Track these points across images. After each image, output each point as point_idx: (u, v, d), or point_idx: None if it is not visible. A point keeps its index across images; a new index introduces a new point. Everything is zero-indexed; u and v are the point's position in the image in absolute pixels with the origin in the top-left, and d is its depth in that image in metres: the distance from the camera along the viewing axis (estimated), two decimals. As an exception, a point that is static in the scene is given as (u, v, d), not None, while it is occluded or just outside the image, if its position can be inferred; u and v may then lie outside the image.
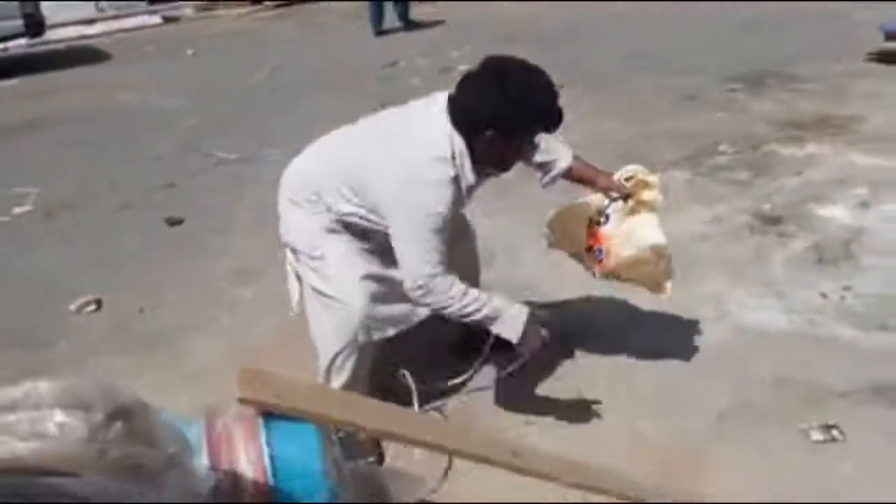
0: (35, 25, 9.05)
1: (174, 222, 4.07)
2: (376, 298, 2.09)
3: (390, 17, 9.31)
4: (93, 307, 3.21)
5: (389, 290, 2.11)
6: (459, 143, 1.96)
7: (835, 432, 2.11)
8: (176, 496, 0.98)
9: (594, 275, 2.38)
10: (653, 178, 2.32)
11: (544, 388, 2.48)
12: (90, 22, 11.94)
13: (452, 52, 7.76)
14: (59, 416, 0.89)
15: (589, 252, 2.37)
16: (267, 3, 12.68)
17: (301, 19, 11.52)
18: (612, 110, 5.37)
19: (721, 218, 3.55)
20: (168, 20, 12.35)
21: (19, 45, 9.58)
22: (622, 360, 2.57)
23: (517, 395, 2.42)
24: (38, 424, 0.88)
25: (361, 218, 2.08)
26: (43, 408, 0.90)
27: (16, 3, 8.68)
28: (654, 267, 2.26)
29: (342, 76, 7.22)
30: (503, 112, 1.92)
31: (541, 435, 2.25)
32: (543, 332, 2.08)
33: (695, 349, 2.59)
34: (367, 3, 9.12)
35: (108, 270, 3.57)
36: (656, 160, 4.29)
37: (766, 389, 2.35)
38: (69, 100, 7.25)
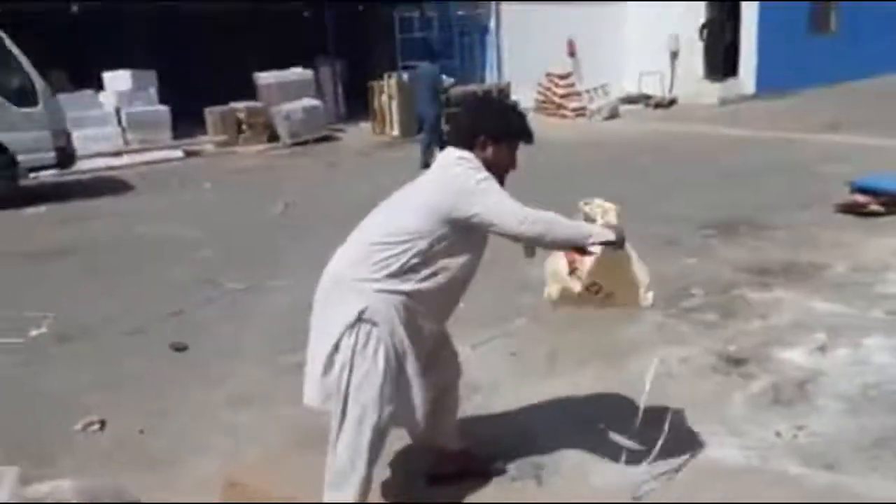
0: (67, 158, 9.75)
1: (179, 348, 4.35)
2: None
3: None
4: (97, 427, 3.43)
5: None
6: (466, 153, 2.46)
7: (775, 564, 2.28)
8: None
9: (578, 294, 2.71)
10: (610, 205, 2.76)
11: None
12: (117, 154, 12.77)
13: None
14: (83, 508, 1.15)
15: (572, 274, 2.72)
16: (284, 141, 13.59)
17: (314, 158, 12.33)
18: (594, 253, 5.76)
19: (688, 359, 3.81)
20: (189, 154, 13.21)
21: (48, 174, 10.23)
22: (586, 487, 2.76)
23: None
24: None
25: (420, 248, 2.32)
26: (64, 500, 1.15)
27: (49, 135, 9.40)
28: (625, 272, 2.56)
29: (351, 213, 7.69)
30: (490, 120, 2.50)
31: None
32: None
33: (653, 479, 2.77)
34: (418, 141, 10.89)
35: (114, 392, 3.81)
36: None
37: (716, 521, 2.53)
38: (91, 228, 7.74)
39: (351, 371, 2.28)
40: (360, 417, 2.29)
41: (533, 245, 2.57)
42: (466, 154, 2.44)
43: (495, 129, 2.48)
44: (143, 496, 2.73)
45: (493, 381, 3.68)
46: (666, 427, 2.85)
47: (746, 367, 3.67)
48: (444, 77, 10.84)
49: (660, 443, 2.77)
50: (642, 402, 2.85)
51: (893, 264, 5.01)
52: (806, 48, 16.03)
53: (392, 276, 2.31)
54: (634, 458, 2.82)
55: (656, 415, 3.20)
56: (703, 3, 16.27)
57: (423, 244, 2.32)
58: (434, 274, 2.36)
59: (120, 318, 4.92)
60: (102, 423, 3.45)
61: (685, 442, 3.00)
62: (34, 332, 4.70)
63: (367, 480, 2.36)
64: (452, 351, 2.74)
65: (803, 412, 3.21)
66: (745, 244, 5.79)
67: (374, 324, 2.29)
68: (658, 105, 15.96)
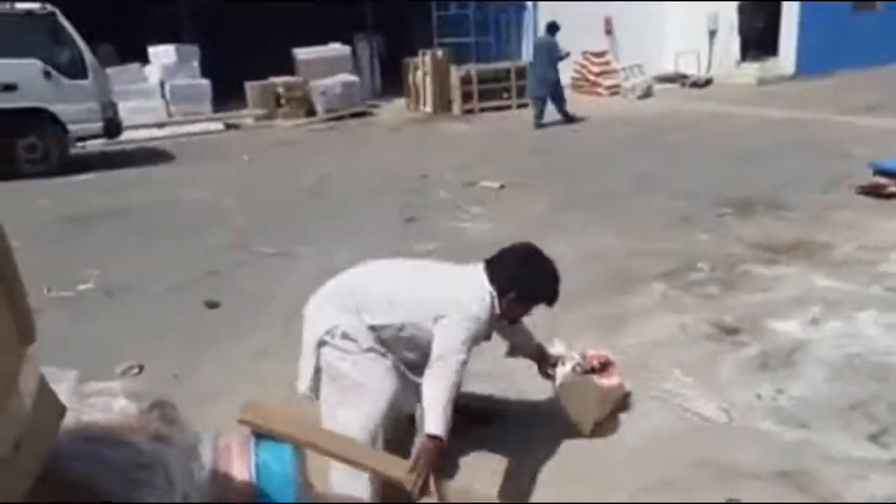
0: (113, 128, 10.23)
1: (212, 305, 4.70)
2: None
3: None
4: (136, 371, 3.79)
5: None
6: (493, 292, 2.60)
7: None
8: (184, 468, 1.50)
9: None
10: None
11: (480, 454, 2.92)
12: (160, 126, 13.26)
13: (477, 168, 8.53)
14: (122, 401, 1.45)
15: None
16: (320, 116, 13.92)
17: (348, 132, 12.63)
18: (610, 228, 5.95)
19: (685, 326, 4.01)
20: (229, 127, 13.64)
21: (95, 143, 10.73)
22: (574, 435, 3.01)
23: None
24: (109, 405, 1.43)
25: (395, 329, 2.55)
26: (113, 396, 1.45)
27: (98, 106, 9.87)
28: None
29: (379, 186, 8.01)
30: (528, 284, 2.65)
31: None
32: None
33: (635, 433, 3.01)
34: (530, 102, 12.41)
35: (152, 342, 4.17)
36: (640, 274, 4.84)
37: (689, 468, 2.75)
38: (135, 195, 8.17)
39: (336, 377, 2.53)
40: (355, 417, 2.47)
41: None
42: (491, 293, 2.57)
43: (530, 293, 2.66)
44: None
45: (496, 344, 3.91)
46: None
47: (740, 335, 3.85)
48: (560, 47, 11.72)
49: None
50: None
51: (902, 245, 5.08)
52: (850, 27, 15.64)
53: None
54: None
55: (646, 373, 3.45)
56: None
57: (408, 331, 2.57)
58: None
59: (159, 276, 5.30)
60: (141, 368, 3.81)
61: (668, 399, 3.23)
62: (81, 287, 5.10)
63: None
64: None
65: (787, 377, 3.40)
66: (759, 222, 5.91)
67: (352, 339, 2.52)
68: (694, 84, 15.83)
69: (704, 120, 11.59)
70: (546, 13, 16.55)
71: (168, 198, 7.98)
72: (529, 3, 16.94)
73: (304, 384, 2.65)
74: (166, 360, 3.92)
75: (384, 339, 2.57)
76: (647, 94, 15.13)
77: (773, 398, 3.22)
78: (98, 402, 1.42)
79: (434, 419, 2.40)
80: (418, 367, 2.59)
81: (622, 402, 3.19)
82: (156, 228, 6.72)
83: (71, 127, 9.66)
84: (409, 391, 2.63)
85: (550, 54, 11.64)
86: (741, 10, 15.98)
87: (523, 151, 9.82)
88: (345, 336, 2.53)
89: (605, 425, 3.05)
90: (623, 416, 3.14)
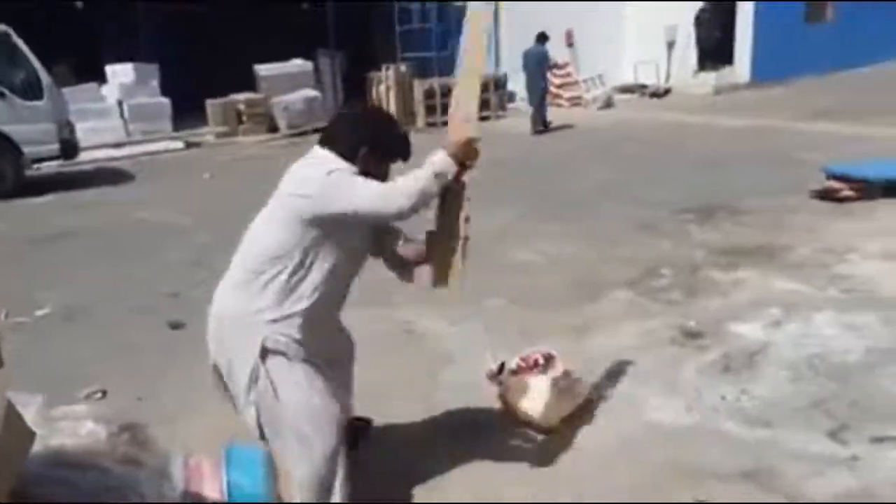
0: (70, 149, 10.06)
1: (176, 326, 4.64)
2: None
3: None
4: (99, 395, 3.71)
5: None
6: (335, 156, 2.39)
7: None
8: (156, 489, 1.49)
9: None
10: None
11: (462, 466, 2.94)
12: (119, 145, 13.07)
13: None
14: (90, 424, 1.43)
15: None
16: (283, 132, 13.86)
17: (311, 147, 12.57)
18: (575, 235, 6.04)
19: (650, 332, 4.08)
20: (190, 145, 13.49)
21: (52, 165, 10.52)
22: (544, 442, 3.04)
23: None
24: (77, 430, 1.42)
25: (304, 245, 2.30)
26: (80, 420, 1.44)
27: (54, 128, 9.70)
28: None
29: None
30: (374, 134, 2.43)
31: (447, 497, 2.70)
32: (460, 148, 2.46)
33: (604, 436, 3.06)
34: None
35: (115, 365, 4.09)
36: (605, 281, 4.91)
37: (656, 470, 2.80)
38: (94, 216, 8.03)
39: (278, 406, 2.24)
40: (307, 442, 2.24)
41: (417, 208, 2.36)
42: (340, 163, 2.35)
43: (380, 143, 2.43)
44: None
45: (466, 354, 3.93)
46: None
47: (702, 339, 3.93)
48: (550, 56, 12.61)
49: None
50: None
51: (856, 247, 5.24)
52: (803, 37, 16.14)
53: (278, 301, 2.31)
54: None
55: (612, 379, 3.50)
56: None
57: (296, 259, 2.30)
58: (319, 284, 2.35)
59: (121, 298, 5.21)
60: (104, 392, 3.74)
61: (634, 403, 3.28)
62: (39, 313, 4.99)
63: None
64: (344, 331, 2.79)
65: (749, 378, 3.47)
66: (720, 228, 6.05)
67: (279, 353, 2.30)
68: (653, 94, 16.17)
69: (664, 129, 11.83)
70: (508, 27, 16.81)
71: (128, 217, 7.86)
72: (491, 18, 17.09)
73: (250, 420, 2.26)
74: (130, 382, 3.84)
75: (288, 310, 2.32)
76: (608, 104, 15.39)
77: (737, 399, 3.29)
78: (66, 427, 1.41)
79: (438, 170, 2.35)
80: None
81: (586, 400, 3.23)
82: (115, 249, 6.61)
83: (26, 149, 9.47)
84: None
85: (540, 63, 12.29)
86: (698, 22, 16.38)
87: (487, 162, 9.84)
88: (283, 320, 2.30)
89: (571, 422, 3.10)
90: (590, 419, 3.18)
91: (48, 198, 9.26)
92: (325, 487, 2.24)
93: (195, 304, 5.05)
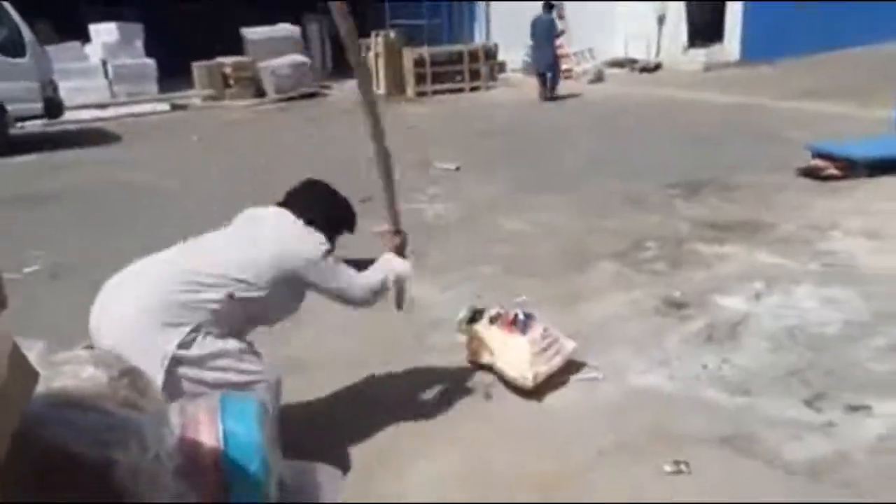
0: (54, 108, 9.91)
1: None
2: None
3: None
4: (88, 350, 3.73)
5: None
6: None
7: (682, 466, 2.63)
8: (152, 433, 1.52)
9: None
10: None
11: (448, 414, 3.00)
12: (103, 106, 12.88)
13: (432, 150, 8.56)
14: (91, 369, 1.46)
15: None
16: (270, 97, 13.72)
17: (299, 113, 12.49)
18: (565, 207, 6.08)
19: (635, 302, 4.14)
20: (176, 108, 13.33)
21: (35, 124, 10.37)
22: (531, 408, 3.10)
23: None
24: (79, 373, 1.44)
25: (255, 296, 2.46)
26: (82, 364, 1.46)
27: (37, 86, 9.54)
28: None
29: (332, 166, 7.93)
30: (338, 216, 2.77)
31: (433, 463, 2.76)
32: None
33: (588, 402, 3.13)
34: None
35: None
36: (593, 252, 4.96)
37: (638, 434, 2.87)
38: (79, 176, 7.95)
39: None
40: None
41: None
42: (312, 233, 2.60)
43: (341, 224, 2.76)
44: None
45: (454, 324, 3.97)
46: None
47: (686, 310, 4.00)
48: (558, 25, 12.88)
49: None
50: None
51: (839, 223, 5.32)
52: (793, 16, 16.12)
53: (210, 322, 2.37)
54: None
55: (597, 346, 3.56)
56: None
57: (252, 292, 2.44)
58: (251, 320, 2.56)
59: (106, 257, 5.15)
60: (90, 347, 3.74)
61: (619, 370, 3.35)
62: (27, 270, 4.98)
63: None
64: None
65: (731, 348, 3.55)
66: (707, 203, 6.11)
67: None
68: (643, 69, 16.13)
69: (653, 104, 11.85)
70: (499, -3, 16.68)
71: (113, 179, 7.80)
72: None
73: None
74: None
75: (243, 313, 2.48)
76: (599, 78, 15.34)
77: (718, 368, 3.37)
78: (67, 370, 1.43)
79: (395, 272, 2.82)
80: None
81: (566, 361, 3.28)
82: (100, 211, 6.57)
83: (9, 107, 9.34)
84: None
85: (548, 31, 12.55)
86: (689, -2, 16.33)
87: (478, 134, 9.89)
88: (205, 338, 2.35)
89: (553, 382, 3.19)
90: (575, 386, 3.25)
91: (32, 157, 9.15)
92: None
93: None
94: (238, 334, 2.52)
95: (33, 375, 1.28)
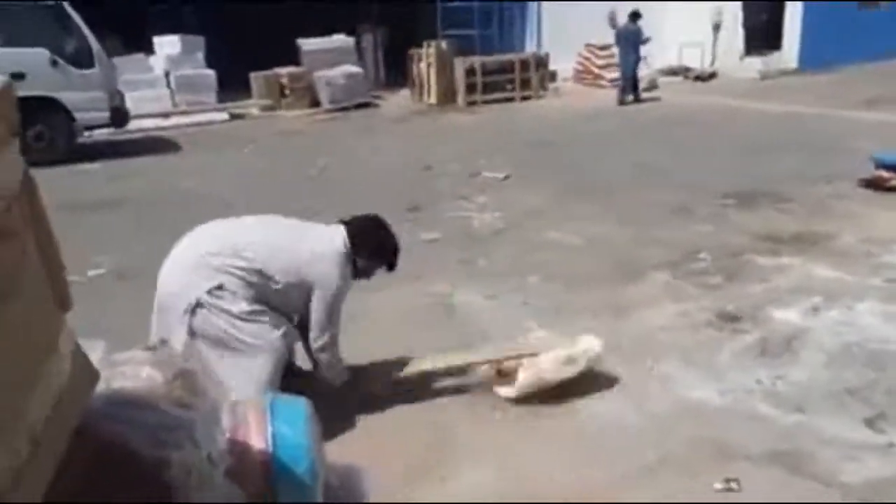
0: (120, 117, 10.28)
1: (221, 291, 4.78)
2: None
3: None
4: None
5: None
6: (350, 252, 3.04)
7: (733, 485, 2.57)
8: (208, 432, 1.57)
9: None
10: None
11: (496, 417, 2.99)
12: (166, 115, 13.31)
13: (481, 159, 8.58)
14: (148, 370, 1.51)
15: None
16: (324, 107, 13.96)
17: (352, 123, 12.67)
18: (613, 216, 6.02)
19: (686, 314, 4.07)
20: (234, 117, 13.68)
21: (102, 132, 10.78)
22: (578, 419, 3.08)
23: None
24: (136, 373, 1.50)
25: (274, 282, 2.89)
26: (140, 364, 1.52)
27: (104, 96, 9.92)
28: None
29: (383, 176, 8.06)
30: (378, 247, 3.13)
31: (475, 472, 2.76)
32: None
33: (634, 414, 3.08)
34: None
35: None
36: (643, 263, 4.90)
37: (687, 449, 2.82)
38: (141, 183, 8.24)
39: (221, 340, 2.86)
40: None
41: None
42: (349, 253, 3.01)
43: (378, 255, 3.13)
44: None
45: (502, 331, 3.97)
46: (649, 364, 3.15)
47: (740, 323, 3.91)
48: (643, 32, 13.29)
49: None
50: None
51: (903, 237, 5.13)
52: (854, 22, 15.63)
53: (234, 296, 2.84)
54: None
55: (646, 358, 3.51)
56: (749, -27, 16.01)
57: (270, 283, 2.89)
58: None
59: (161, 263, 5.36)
60: (152, 348, 3.87)
61: (670, 383, 3.30)
62: (92, 273, 5.17)
63: None
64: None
65: (786, 363, 3.46)
66: (762, 214, 5.96)
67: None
68: (697, 78, 15.85)
69: (707, 113, 11.63)
70: (550, 8, 16.63)
71: (173, 186, 8.04)
72: (534, -4, 16.97)
73: (177, 344, 2.76)
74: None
75: (264, 294, 2.89)
76: (652, 86, 15.12)
77: (772, 383, 3.29)
78: (126, 371, 1.49)
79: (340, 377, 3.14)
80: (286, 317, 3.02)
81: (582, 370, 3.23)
82: (163, 216, 6.77)
83: (78, 115, 9.72)
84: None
85: (635, 39, 13.14)
86: (745, 5, 15.98)
87: (527, 142, 9.87)
88: (228, 296, 2.82)
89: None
90: (623, 398, 3.21)
91: (97, 164, 9.51)
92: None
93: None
94: (260, 304, 2.90)
95: (94, 375, 1.34)
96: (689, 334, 3.82)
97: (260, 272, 2.87)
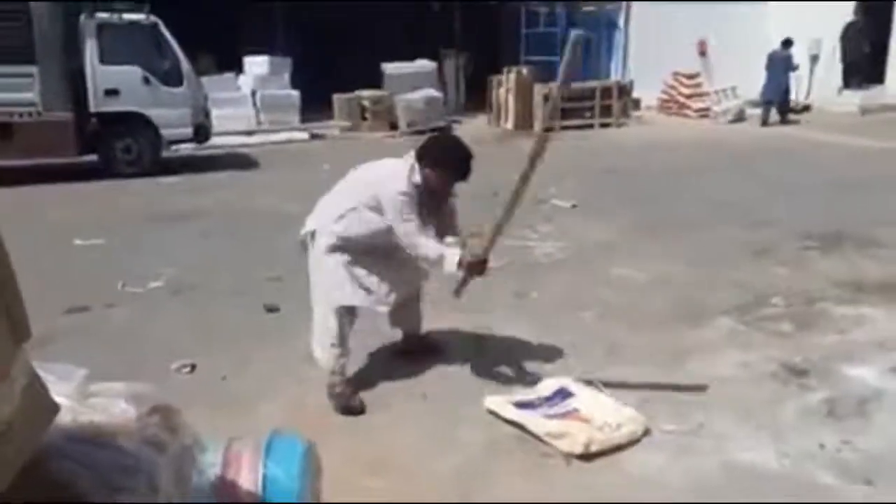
0: (203, 134, 10.68)
1: (272, 309, 4.79)
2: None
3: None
4: (188, 369, 3.89)
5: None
6: (416, 165, 3.35)
7: (779, 563, 2.31)
8: (175, 474, 1.49)
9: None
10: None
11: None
12: (249, 133, 13.75)
13: (550, 186, 8.38)
14: (121, 404, 1.45)
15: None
16: (402, 129, 14.11)
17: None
18: (681, 255, 5.72)
19: (749, 364, 3.77)
20: (315, 137, 14.00)
21: (187, 147, 11.23)
22: (611, 472, 2.87)
23: None
24: (108, 407, 1.44)
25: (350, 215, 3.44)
26: (113, 398, 1.47)
27: (190, 113, 10.34)
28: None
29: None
30: (446, 160, 3.35)
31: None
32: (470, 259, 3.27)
33: (679, 473, 2.84)
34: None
35: (209, 341, 4.27)
36: (708, 306, 4.61)
37: (732, 519, 2.57)
38: (217, 198, 8.47)
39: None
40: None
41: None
42: (412, 165, 3.33)
43: (446, 168, 3.33)
44: (208, 431, 3.13)
45: (543, 370, 3.79)
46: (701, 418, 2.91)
47: (807, 378, 3.59)
48: (794, 59, 13.83)
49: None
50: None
51: None
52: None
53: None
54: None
55: (698, 411, 3.26)
56: (850, 3, 15.20)
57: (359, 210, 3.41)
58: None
59: (226, 278, 5.45)
60: (193, 367, 3.90)
61: (719, 440, 3.04)
62: (151, 285, 5.30)
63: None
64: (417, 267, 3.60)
65: (855, 428, 3.13)
66: (845, 258, 5.54)
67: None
68: (791, 110, 15.12)
69: (796, 147, 11.06)
70: (637, 35, 16.32)
71: (246, 202, 8.24)
72: (621, 23, 16.70)
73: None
74: (218, 360, 4.00)
75: (345, 234, 3.42)
76: (739, 118, 14.57)
77: (838, 449, 2.98)
78: (98, 403, 1.43)
79: (445, 264, 3.26)
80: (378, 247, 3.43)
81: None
82: (230, 231, 6.93)
83: (164, 131, 10.15)
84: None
85: (786, 65, 13.62)
86: (845, 36, 15.18)
87: (600, 171, 9.62)
88: (315, 236, 3.58)
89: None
90: (667, 457, 2.97)
91: (178, 178, 9.88)
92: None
93: (293, 290, 5.21)
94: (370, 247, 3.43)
95: (53, 408, 1.28)
96: (749, 387, 3.53)
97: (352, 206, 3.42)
